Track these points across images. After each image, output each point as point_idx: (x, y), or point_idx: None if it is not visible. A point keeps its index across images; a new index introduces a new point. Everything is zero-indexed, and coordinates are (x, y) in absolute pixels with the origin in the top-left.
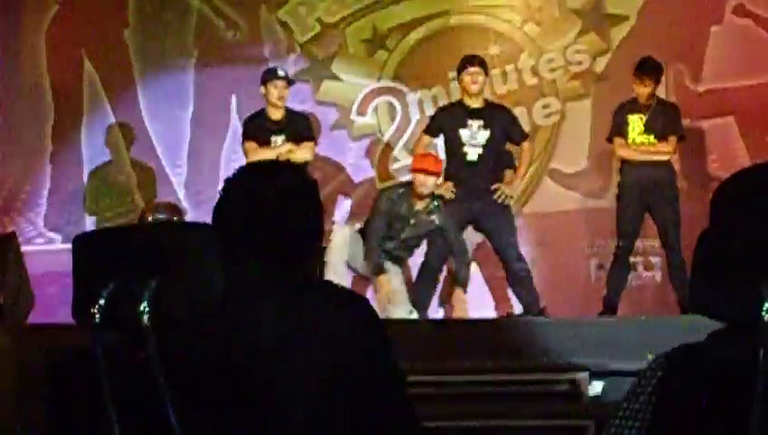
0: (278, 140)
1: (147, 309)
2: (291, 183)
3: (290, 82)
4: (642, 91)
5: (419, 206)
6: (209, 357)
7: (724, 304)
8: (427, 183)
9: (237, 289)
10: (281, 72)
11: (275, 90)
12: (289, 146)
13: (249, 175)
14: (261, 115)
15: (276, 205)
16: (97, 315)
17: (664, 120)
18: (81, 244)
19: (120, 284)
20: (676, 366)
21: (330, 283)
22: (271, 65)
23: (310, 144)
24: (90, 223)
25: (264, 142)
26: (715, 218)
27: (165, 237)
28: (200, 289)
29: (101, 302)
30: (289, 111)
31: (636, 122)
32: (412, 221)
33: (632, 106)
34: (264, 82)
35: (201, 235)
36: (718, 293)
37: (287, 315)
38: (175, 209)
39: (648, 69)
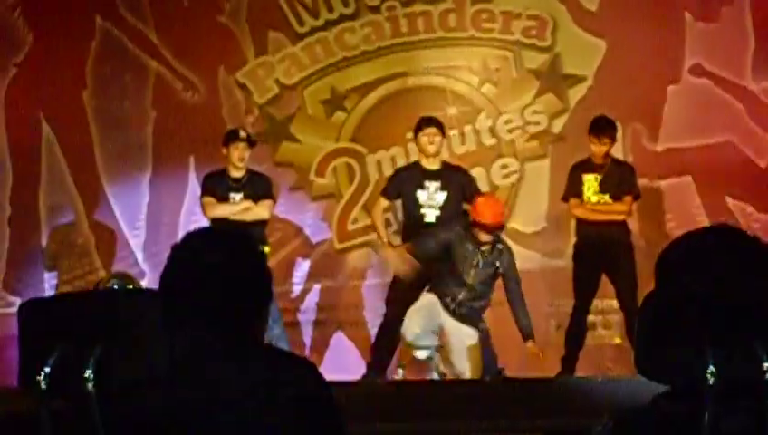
0: (236, 197)
1: (91, 376)
2: (236, 249)
3: (251, 143)
4: (598, 149)
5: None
6: (154, 424)
7: (668, 367)
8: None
9: (183, 355)
10: (242, 134)
11: (236, 151)
12: (247, 203)
13: (195, 241)
14: (221, 172)
15: (222, 271)
16: (43, 382)
17: (619, 179)
18: (27, 311)
19: (66, 351)
20: (623, 428)
21: (275, 348)
22: (229, 127)
23: (268, 202)
24: (49, 286)
25: (223, 199)
26: (659, 281)
27: (109, 305)
28: (144, 356)
29: (47, 369)
30: (250, 171)
31: (591, 182)
32: (475, 262)
33: (587, 166)
34: (226, 143)
35: (145, 302)
36: (662, 356)
37: (232, 382)
38: (128, 279)
39: (603, 127)
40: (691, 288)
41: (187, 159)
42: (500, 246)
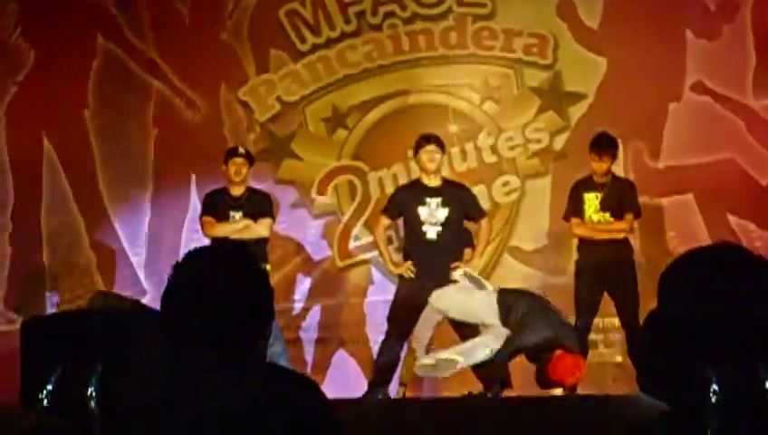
0: (236, 215)
1: (94, 394)
2: (238, 268)
3: (250, 159)
4: (599, 166)
5: None
6: None
7: (671, 386)
8: None
9: (183, 373)
10: (240, 150)
11: (233, 166)
12: (246, 222)
13: (197, 260)
14: (221, 191)
15: (223, 289)
16: (44, 400)
17: (620, 197)
18: (30, 329)
19: (68, 369)
20: None
21: (278, 367)
22: (231, 145)
23: (267, 220)
24: (50, 304)
25: (223, 218)
26: (662, 300)
27: (110, 325)
28: (144, 375)
29: (49, 387)
30: (250, 189)
31: (592, 200)
32: None
33: (588, 184)
34: (225, 160)
35: (145, 322)
36: (665, 375)
37: (231, 399)
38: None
39: (605, 144)
40: (694, 307)
41: (189, 177)
42: None
